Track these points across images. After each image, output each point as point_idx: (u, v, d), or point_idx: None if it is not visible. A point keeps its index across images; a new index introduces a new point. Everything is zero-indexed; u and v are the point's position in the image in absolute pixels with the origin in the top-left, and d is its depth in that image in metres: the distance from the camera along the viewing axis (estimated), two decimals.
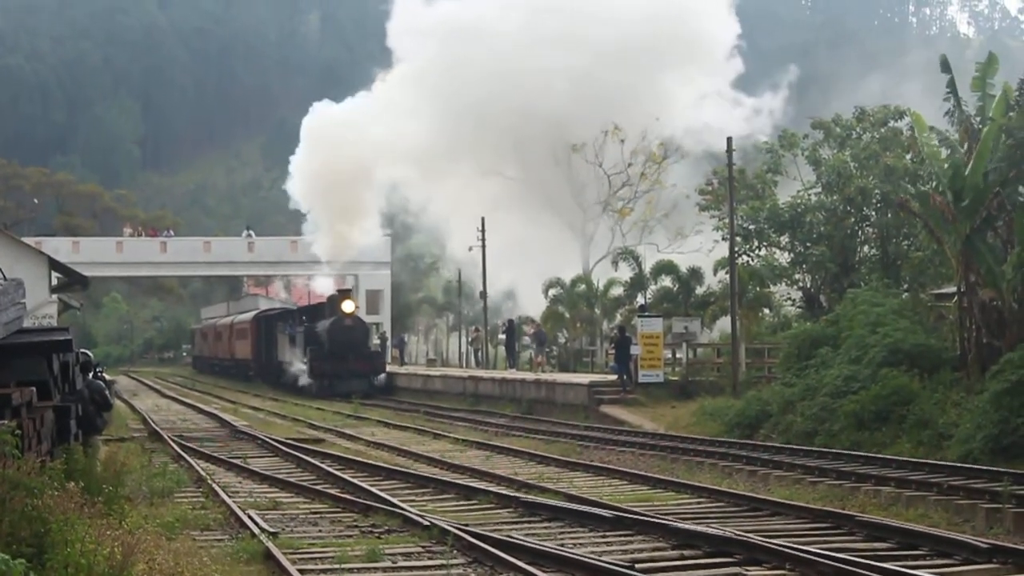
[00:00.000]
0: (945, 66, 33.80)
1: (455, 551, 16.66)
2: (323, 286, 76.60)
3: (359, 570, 15.74)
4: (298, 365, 65.15)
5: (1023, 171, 31.78)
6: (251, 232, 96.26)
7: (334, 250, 69.93)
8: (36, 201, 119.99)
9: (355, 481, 24.53)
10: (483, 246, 67.34)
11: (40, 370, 17.42)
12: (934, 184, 37.66)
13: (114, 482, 18.60)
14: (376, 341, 71.79)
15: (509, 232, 70.04)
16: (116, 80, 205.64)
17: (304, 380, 63.24)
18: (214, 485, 23.89)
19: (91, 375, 25.25)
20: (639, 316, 46.91)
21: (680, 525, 17.90)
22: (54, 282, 42.37)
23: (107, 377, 32.58)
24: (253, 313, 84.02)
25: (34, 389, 16.26)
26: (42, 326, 29.93)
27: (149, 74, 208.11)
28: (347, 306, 62.46)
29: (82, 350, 24.81)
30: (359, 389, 58.59)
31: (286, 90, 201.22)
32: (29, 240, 56.28)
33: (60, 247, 75.67)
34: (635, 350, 43.33)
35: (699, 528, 17.67)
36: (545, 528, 19.05)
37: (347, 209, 67.85)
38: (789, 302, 51.87)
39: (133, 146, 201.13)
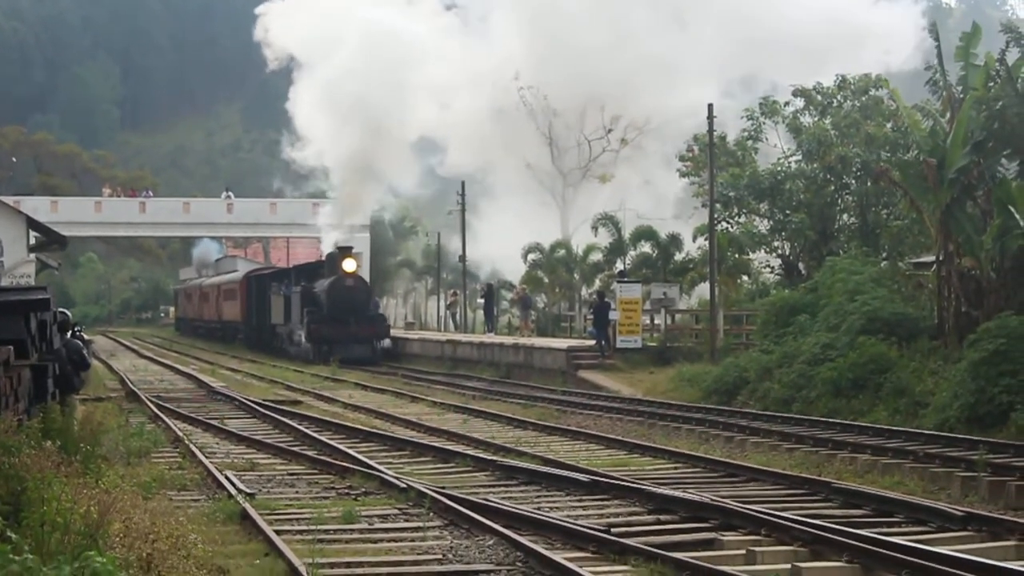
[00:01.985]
0: (933, 33, 33.81)
1: (432, 513, 16.71)
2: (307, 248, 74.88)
3: (336, 531, 15.77)
4: (293, 329, 61.09)
5: (1002, 142, 31.83)
6: (230, 193, 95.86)
7: (343, 210, 66.64)
8: (15, 160, 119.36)
9: (332, 443, 24.59)
10: (462, 210, 67.30)
11: (17, 329, 17.37)
12: (915, 153, 37.71)
13: (91, 441, 18.59)
14: None
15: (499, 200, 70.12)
16: (95, 40, 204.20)
17: (301, 345, 59.20)
18: (191, 446, 23.91)
19: (69, 334, 25.20)
20: (618, 282, 46.99)
21: (656, 490, 17.97)
22: (32, 241, 42.24)
23: (85, 337, 32.49)
24: (243, 272, 79.66)
25: (11, 348, 16.22)
26: (19, 285, 29.86)
27: (129, 34, 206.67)
28: (348, 265, 58.00)
29: (60, 310, 24.75)
30: (361, 355, 55.44)
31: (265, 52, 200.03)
32: (7, 199, 55.86)
33: (39, 206, 75.27)
34: (614, 316, 43.36)
35: (675, 493, 17.73)
36: (522, 492, 19.10)
37: (371, 160, 63.24)
38: (768, 269, 51.88)
39: (112, 106, 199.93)
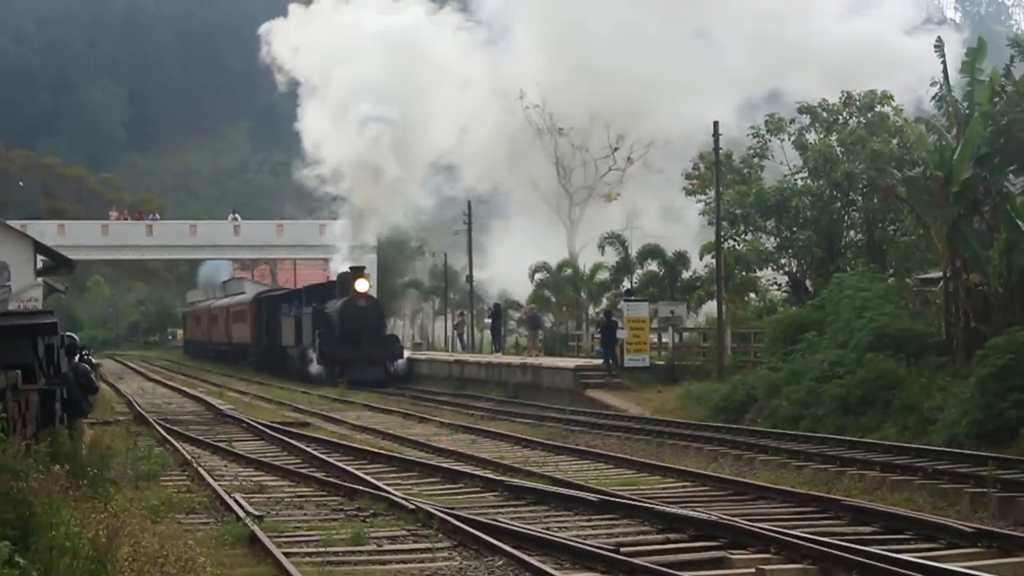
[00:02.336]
0: (939, 49, 33.82)
1: (441, 535, 16.70)
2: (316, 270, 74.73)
3: (345, 553, 15.74)
4: (305, 351, 60.09)
5: (1008, 157, 31.82)
6: (237, 215, 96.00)
7: (357, 227, 66.18)
8: (21, 184, 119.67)
9: (340, 465, 24.54)
10: (469, 230, 67.25)
11: (25, 353, 17.39)
12: (921, 169, 37.71)
13: (99, 465, 18.59)
14: None
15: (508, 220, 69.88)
16: (101, 63, 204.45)
17: (312, 366, 57.96)
18: (199, 468, 23.87)
19: (77, 358, 25.21)
20: (625, 300, 46.98)
21: (665, 509, 17.94)
22: (39, 265, 42.29)
23: (93, 360, 32.49)
24: (253, 294, 79.03)
25: (19, 372, 16.22)
26: (27, 309, 29.89)
27: (134, 57, 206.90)
28: (360, 285, 57.01)
29: (67, 333, 24.76)
30: (375, 377, 54.31)
31: (272, 73, 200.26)
32: (14, 223, 56.11)
33: (46, 230, 75.42)
34: (621, 334, 43.34)
35: (684, 512, 17.69)
36: (531, 512, 19.06)
37: (387, 178, 62.93)
38: (775, 287, 51.83)
39: (119, 129, 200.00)
